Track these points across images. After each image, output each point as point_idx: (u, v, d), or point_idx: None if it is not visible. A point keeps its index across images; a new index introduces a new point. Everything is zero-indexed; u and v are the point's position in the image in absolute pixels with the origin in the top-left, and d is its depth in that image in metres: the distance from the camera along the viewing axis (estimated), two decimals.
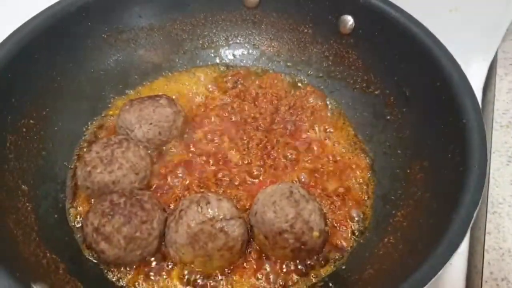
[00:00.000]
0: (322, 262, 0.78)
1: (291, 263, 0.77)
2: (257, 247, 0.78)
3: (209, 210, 0.72)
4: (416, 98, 0.88)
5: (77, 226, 0.81)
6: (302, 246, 0.73)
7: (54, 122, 0.89)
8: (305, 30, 1.03)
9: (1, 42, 0.82)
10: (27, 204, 0.77)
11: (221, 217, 0.72)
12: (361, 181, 0.89)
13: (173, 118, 0.89)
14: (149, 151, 0.87)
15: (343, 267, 0.78)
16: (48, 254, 0.72)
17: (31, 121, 0.84)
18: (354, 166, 0.90)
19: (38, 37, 0.86)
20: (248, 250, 0.78)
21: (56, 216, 0.82)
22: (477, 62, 1.14)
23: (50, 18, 0.88)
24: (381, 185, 0.88)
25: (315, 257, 0.77)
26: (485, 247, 0.84)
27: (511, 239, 0.83)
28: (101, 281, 0.74)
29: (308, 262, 0.77)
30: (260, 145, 0.92)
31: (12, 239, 0.68)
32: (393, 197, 0.84)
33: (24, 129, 0.83)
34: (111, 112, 0.98)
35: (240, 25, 1.07)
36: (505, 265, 0.81)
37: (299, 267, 0.77)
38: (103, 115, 0.97)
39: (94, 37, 0.96)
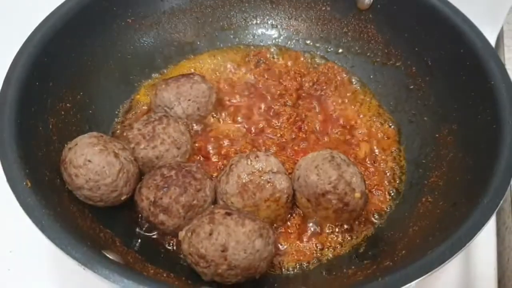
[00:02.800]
0: (364, 223, 0.81)
1: (334, 225, 0.80)
2: (300, 212, 0.81)
3: (258, 163, 0.76)
4: (438, 67, 0.91)
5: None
6: (345, 207, 0.76)
7: (88, 105, 0.90)
8: (323, 8, 1.06)
9: (37, 26, 0.83)
10: None
11: (268, 169, 0.76)
12: (391, 148, 0.92)
13: (209, 94, 0.92)
14: (188, 127, 0.89)
15: (385, 227, 0.81)
16: (102, 229, 0.73)
17: (67, 104, 0.85)
18: (382, 135, 0.94)
19: (68, 22, 0.87)
20: (291, 215, 0.81)
21: None
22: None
23: (77, 4, 0.89)
24: (410, 151, 0.91)
25: (356, 219, 0.81)
26: None
27: None
28: (158, 251, 0.77)
29: (351, 224, 0.81)
30: (291, 120, 0.94)
31: (71, 214, 0.70)
32: (424, 161, 0.87)
33: (62, 112, 0.84)
34: (138, 96, 0.99)
35: (258, 6, 1.09)
36: None
37: (343, 228, 0.80)
38: (132, 98, 0.99)
39: (119, 22, 0.98)
